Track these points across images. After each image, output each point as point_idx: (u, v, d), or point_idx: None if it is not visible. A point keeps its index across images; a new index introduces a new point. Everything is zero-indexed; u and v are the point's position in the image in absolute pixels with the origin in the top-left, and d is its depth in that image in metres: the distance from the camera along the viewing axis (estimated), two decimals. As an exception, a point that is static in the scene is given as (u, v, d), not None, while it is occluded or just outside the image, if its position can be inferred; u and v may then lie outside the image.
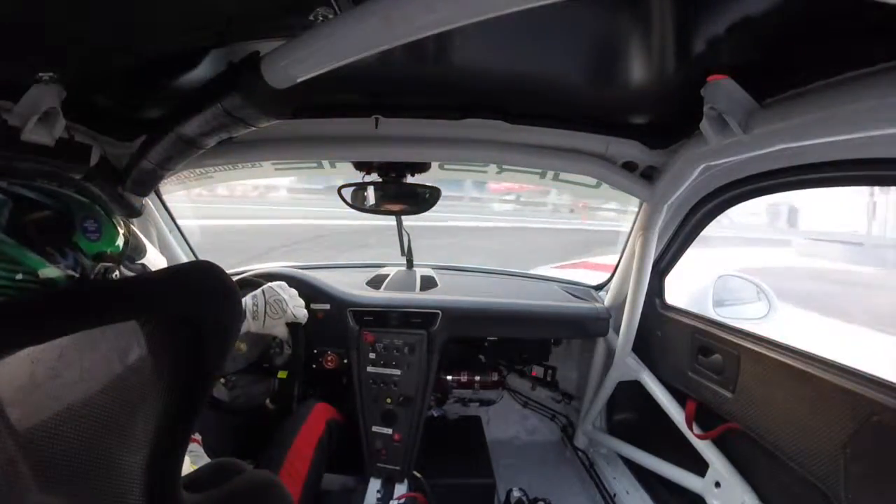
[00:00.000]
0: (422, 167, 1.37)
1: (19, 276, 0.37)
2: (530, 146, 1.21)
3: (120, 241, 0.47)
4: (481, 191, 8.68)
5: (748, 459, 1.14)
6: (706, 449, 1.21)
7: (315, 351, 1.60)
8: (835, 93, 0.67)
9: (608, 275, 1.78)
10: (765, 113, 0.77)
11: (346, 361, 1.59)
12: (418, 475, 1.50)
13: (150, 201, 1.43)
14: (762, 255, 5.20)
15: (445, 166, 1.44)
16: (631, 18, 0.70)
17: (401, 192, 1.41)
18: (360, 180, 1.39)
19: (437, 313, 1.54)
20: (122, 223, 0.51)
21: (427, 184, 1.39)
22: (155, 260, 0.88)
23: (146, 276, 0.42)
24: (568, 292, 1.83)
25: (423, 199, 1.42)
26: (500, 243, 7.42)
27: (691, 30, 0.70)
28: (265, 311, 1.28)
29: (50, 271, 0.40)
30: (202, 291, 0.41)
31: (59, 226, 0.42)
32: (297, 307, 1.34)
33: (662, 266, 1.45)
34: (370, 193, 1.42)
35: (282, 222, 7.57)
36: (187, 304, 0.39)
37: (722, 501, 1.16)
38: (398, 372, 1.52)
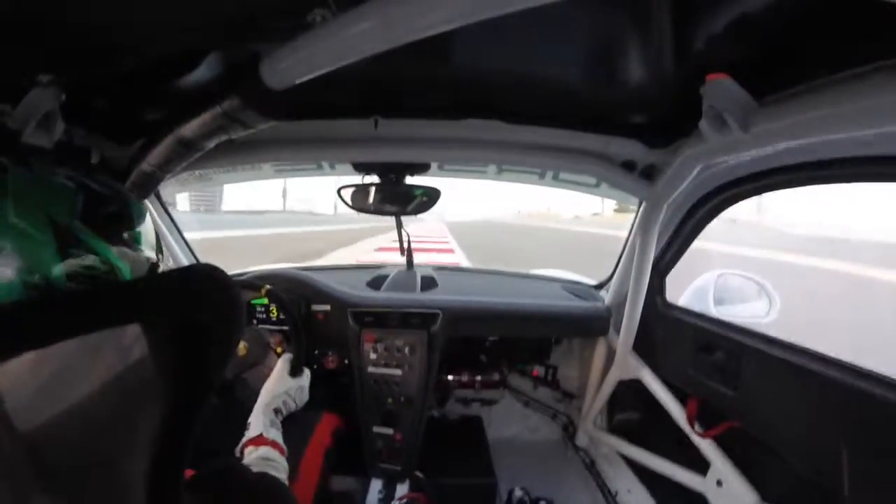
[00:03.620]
0: (421, 168, 1.36)
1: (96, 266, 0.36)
2: (530, 146, 1.21)
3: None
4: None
5: (750, 458, 1.13)
6: (707, 447, 1.21)
7: (316, 352, 1.60)
8: (834, 91, 0.67)
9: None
10: (764, 111, 0.77)
11: (346, 362, 1.59)
12: (420, 475, 1.50)
13: (149, 203, 1.43)
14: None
15: (445, 167, 1.44)
16: (629, 17, 0.70)
17: (400, 193, 1.41)
18: (361, 181, 1.39)
19: (438, 313, 1.54)
20: None
21: (426, 184, 1.39)
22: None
23: (149, 278, 0.42)
24: (568, 291, 1.83)
25: (423, 200, 1.42)
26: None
27: (690, 28, 0.70)
28: None
29: (122, 265, 0.38)
30: (205, 294, 0.41)
31: (124, 221, 0.41)
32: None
33: (663, 265, 1.45)
34: (370, 194, 1.42)
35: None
36: (191, 307, 0.39)
37: (723, 500, 1.16)
38: (399, 372, 1.51)
